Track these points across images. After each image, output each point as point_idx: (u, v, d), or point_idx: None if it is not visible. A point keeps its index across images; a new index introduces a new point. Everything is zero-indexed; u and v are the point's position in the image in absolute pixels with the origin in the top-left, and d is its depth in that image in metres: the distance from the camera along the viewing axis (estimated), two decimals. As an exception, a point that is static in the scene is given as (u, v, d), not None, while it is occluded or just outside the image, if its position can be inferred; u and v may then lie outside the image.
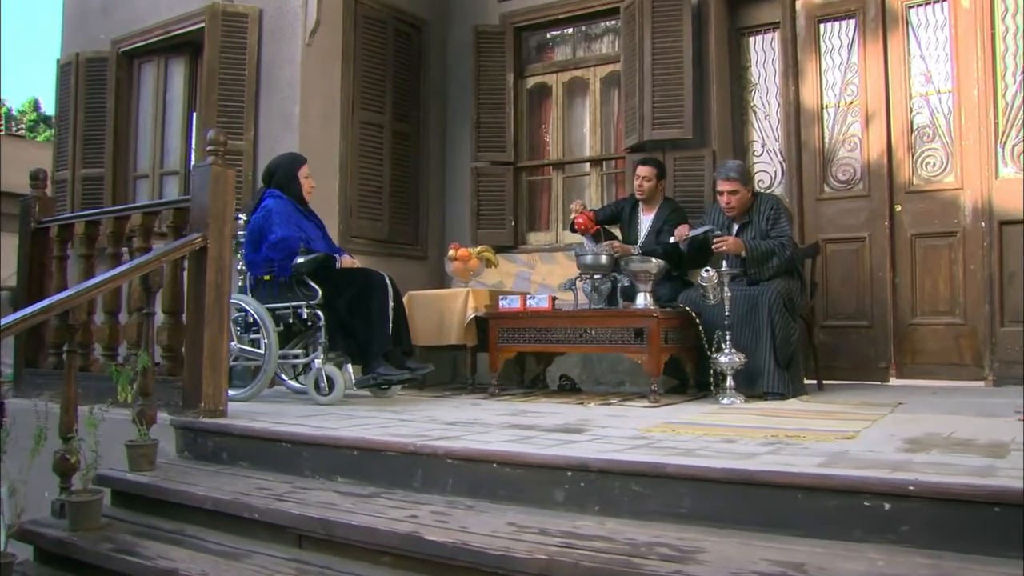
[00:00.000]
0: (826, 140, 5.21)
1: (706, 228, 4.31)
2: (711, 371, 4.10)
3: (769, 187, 5.38)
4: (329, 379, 3.85)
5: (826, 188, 5.19)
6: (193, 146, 6.06)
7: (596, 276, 4.24)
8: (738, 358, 3.92)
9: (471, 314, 4.52)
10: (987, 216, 4.59)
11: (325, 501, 2.46)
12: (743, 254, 4.13)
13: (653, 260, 4.12)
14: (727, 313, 3.96)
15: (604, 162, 5.95)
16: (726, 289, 3.95)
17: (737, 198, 4.31)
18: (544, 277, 5.69)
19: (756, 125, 5.49)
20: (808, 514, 1.99)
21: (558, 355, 4.76)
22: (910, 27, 4.93)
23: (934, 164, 4.86)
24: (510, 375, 5.04)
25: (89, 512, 2.66)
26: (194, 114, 6.10)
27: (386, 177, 5.78)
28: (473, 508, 2.34)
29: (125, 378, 2.91)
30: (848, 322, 5.04)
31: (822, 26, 5.23)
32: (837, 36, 5.19)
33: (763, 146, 5.46)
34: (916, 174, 4.93)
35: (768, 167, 5.42)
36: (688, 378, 4.32)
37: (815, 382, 4.55)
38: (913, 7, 4.91)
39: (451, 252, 4.90)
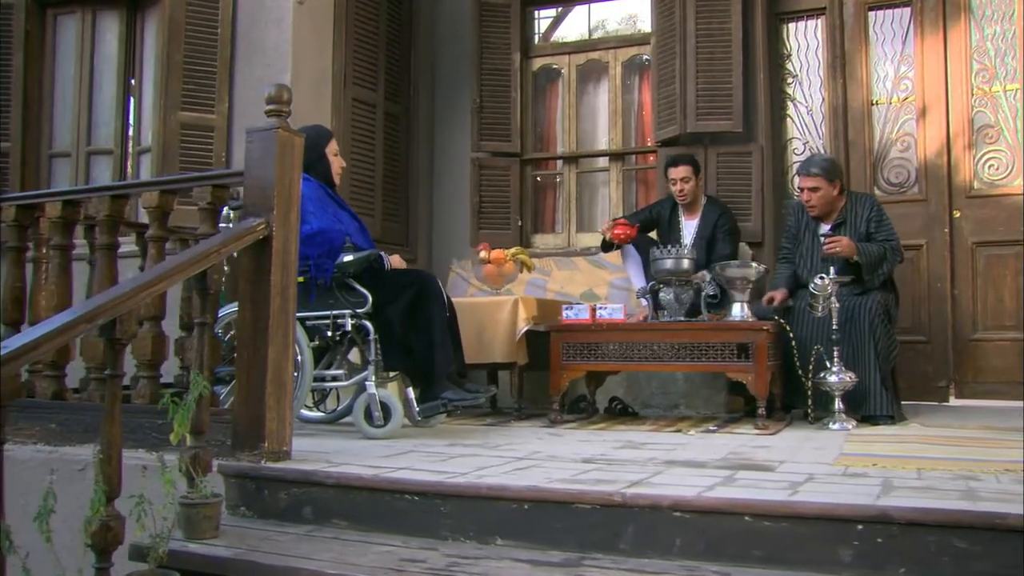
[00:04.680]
0: (876, 139, 5.10)
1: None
2: (807, 392, 3.84)
3: (812, 188, 5.21)
4: (384, 406, 3.27)
5: (876, 191, 5.06)
6: (131, 120, 5.26)
7: (677, 284, 3.87)
8: (848, 377, 3.67)
9: (523, 327, 4.04)
10: (1060, 224, 4.59)
11: None
12: (855, 258, 3.87)
13: (753, 265, 3.81)
14: (835, 326, 3.70)
15: (625, 157, 5.61)
16: (834, 299, 3.70)
17: (818, 196, 4.07)
18: (562, 285, 5.27)
19: (797, 120, 5.32)
20: None
21: (610, 375, 4.36)
22: (972, 17, 4.89)
23: (998, 167, 4.83)
24: (549, 398, 4.60)
25: (160, 605, 2.02)
26: (132, 81, 5.29)
27: (378, 166, 5.21)
28: (730, 576, 1.91)
29: (184, 412, 2.27)
30: (903, 337, 4.86)
31: (872, 14, 5.13)
32: (889, 25, 5.09)
33: (805, 144, 5.29)
34: (978, 177, 4.88)
35: (811, 167, 5.24)
36: (775, 400, 4.02)
37: (892, 403, 4.37)
38: (977, -5, 4.88)
39: (482, 254, 4.41)
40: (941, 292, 4.87)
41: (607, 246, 4.52)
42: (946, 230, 4.87)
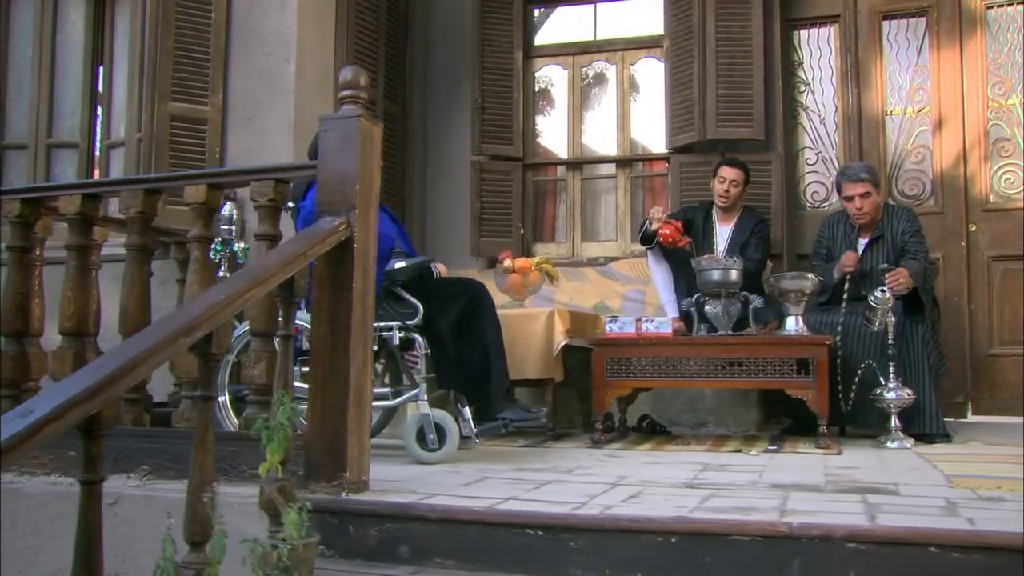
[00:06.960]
0: (891, 150, 5.16)
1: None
2: (843, 409, 3.84)
3: (824, 201, 5.25)
4: (439, 427, 3.06)
5: (891, 203, 5.11)
6: (100, 111, 4.88)
7: (725, 295, 3.79)
8: (906, 394, 3.65)
9: (561, 341, 3.88)
10: (1077, 238, 4.71)
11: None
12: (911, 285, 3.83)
13: (809, 277, 3.76)
14: (890, 341, 3.68)
15: (632, 164, 5.53)
16: (891, 314, 3.68)
17: (870, 202, 4.10)
18: (571, 296, 5.13)
19: (809, 130, 5.34)
20: None
21: (642, 392, 4.24)
22: (988, 29, 5.00)
23: (1014, 180, 4.94)
24: (572, 417, 4.47)
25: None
26: (101, 68, 4.92)
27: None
28: (926, 616, 1.80)
29: (280, 439, 2.03)
30: (920, 352, 4.96)
31: (886, 23, 5.19)
32: (904, 35, 5.17)
33: (817, 154, 5.31)
34: (994, 191, 4.98)
35: (824, 178, 5.27)
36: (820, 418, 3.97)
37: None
38: (992, 7, 4.98)
39: (506, 263, 4.23)
40: (958, 306, 4.93)
41: (647, 239, 4.39)
42: (963, 244, 4.95)
